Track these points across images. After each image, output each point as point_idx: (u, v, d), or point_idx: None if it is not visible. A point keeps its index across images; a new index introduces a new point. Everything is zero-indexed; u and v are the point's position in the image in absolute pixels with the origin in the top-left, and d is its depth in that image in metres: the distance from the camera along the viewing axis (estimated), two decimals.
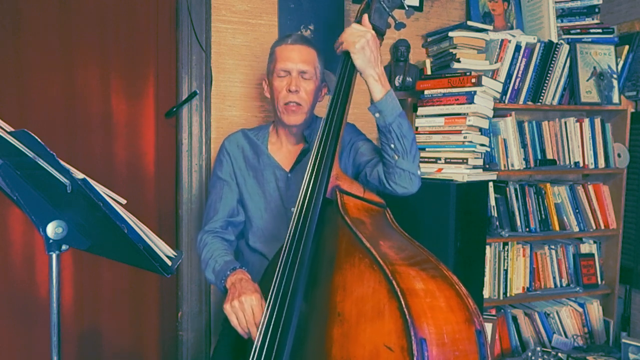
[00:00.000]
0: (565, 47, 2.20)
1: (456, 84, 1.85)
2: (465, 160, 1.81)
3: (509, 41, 2.11)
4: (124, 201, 0.89)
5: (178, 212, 1.99)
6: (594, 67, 2.24)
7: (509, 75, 2.14)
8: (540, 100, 2.20)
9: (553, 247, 2.34)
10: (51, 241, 0.91)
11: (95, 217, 0.88)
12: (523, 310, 2.28)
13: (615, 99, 2.27)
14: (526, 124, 2.24)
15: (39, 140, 0.77)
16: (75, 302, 1.85)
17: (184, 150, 1.96)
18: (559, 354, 2.12)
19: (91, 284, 1.87)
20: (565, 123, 2.30)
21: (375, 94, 1.26)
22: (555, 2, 2.23)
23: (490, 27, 2.09)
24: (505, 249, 2.20)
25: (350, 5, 2.11)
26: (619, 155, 2.33)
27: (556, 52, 2.18)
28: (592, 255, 2.39)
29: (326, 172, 1.14)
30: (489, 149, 2.03)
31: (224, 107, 2.01)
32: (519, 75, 2.16)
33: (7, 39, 1.72)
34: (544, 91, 2.20)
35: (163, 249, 0.93)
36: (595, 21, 2.29)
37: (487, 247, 2.11)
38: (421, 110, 1.92)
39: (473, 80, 1.81)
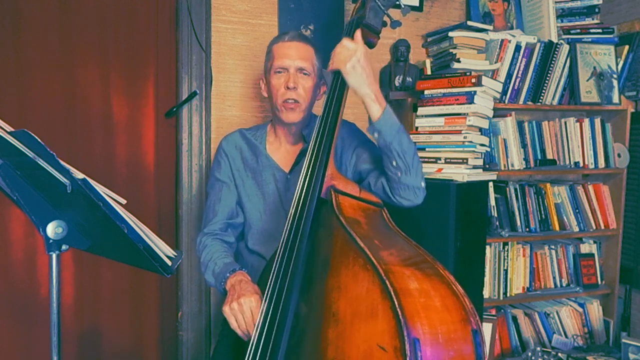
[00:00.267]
0: (565, 47, 2.20)
1: (456, 84, 1.85)
2: (465, 160, 1.81)
3: (509, 41, 2.11)
4: (124, 201, 0.89)
5: (178, 212, 1.99)
6: (594, 67, 2.24)
7: (509, 75, 2.14)
8: (540, 100, 2.20)
9: (553, 247, 2.34)
10: (51, 241, 0.91)
11: (95, 217, 0.87)
12: (523, 310, 2.28)
13: (615, 99, 2.27)
14: (526, 124, 2.24)
15: (39, 140, 0.77)
16: (76, 302, 1.85)
17: (184, 150, 1.96)
18: (559, 354, 2.12)
19: (91, 284, 1.87)
20: (565, 123, 2.30)
21: (373, 113, 1.23)
22: (555, 2, 2.23)
23: (490, 27, 2.10)
24: (505, 249, 2.20)
25: (350, 5, 2.11)
26: (619, 155, 2.33)
27: (556, 52, 2.18)
28: (592, 255, 2.39)
29: (321, 172, 1.13)
30: (489, 149, 2.03)
31: (224, 107, 2.01)
32: (519, 75, 2.16)
33: (7, 39, 1.72)
34: (544, 91, 2.20)
35: (163, 249, 0.92)
36: (595, 21, 2.29)
37: (487, 247, 2.11)
38: (421, 110, 1.92)
39: (473, 80, 1.81)
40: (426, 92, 1.92)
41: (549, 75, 2.19)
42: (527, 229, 2.23)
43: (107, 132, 1.86)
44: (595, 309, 2.38)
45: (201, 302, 2.01)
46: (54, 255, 0.93)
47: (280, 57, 1.39)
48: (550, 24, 2.21)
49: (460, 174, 1.79)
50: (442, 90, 1.88)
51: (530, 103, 2.20)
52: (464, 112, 1.82)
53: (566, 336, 2.30)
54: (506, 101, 2.15)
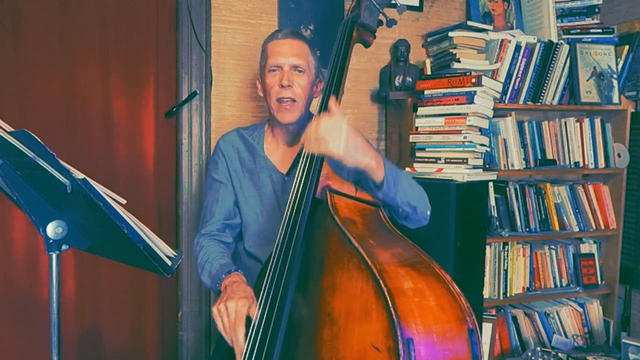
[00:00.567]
0: (565, 47, 2.20)
1: (456, 84, 1.85)
2: (465, 160, 1.81)
3: (509, 41, 2.11)
4: (124, 201, 0.89)
5: (178, 212, 1.99)
6: (594, 67, 2.24)
7: (509, 75, 2.14)
8: (540, 100, 2.20)
9: (553, 247, 2.34)
10: (51, 241, 0.91)
11: (95, 217, 0.88)
12: (523, 310, 2.28)
13: (615, 99, 2.27)
14: (526, 124, 2.24)
15: (39, 140, 0.77)
16: (76, 302, 1.85)
17: (184, 150, 1.96)
18: (559, 354, 2.12)
19: (91, 284, 1.87)
20: (565, 123, 2.30)
21: (376, 178, 1.12)
22: (555, 2, 2.24)
23: (490, 27, 2.10)
24: (505, 249, 2.20)
25: (350, 5, 2.11)
26: (619, 155, 2.33)
27: (556, 52, 2.18)
28: (592, 255, 2.39)
29: (316, 173, 1.11)
30: (489, 149, 2.03)
31: (224, 107, 2.01)
32: (519, 75, 2.16)
33: (7, 39, 1.72)
34: (544, 91, 2.20)
35: (163, 249, 0.93)
36: (595, 21, 2.29)
37: (487, 247, 2.11)
38: (421, 110, 1.92)
39: (473, 80, 1.81)
40: (426, 92, 1.92)
41: (549, 75, 2.19)
42: (527, 229, 2.23)
43: (107, 132, 1.86)
44: (595, 309, 2.38)
45: (201, 302, 2.01)
46: (54, 255, 0.93)
47: (274, 55, 1.36)
48: (550, 24, 2.21)
49: (460, 174, 1.79)
50: (442, 90, 1.88)
51: (530, 103, 2.20)
52: (464, 112, 1.82)
53: (566, 336, 2.30)
54: (506, 101, 2.16)
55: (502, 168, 2.16)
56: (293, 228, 1.08)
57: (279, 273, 1.06)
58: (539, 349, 2.04)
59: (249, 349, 1.04)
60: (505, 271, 2.20)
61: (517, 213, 2.22)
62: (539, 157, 2.25)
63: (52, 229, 0.90)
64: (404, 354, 0.79)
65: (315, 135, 1.04)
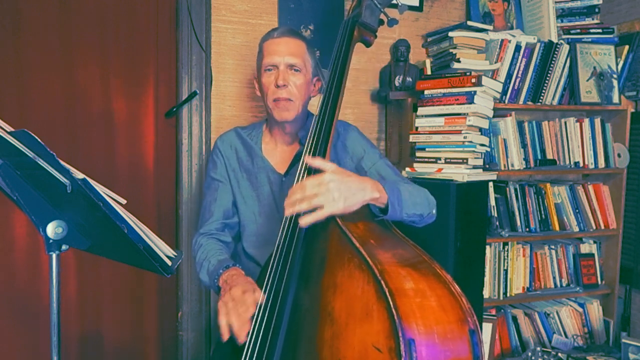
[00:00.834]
0: (565, 47, 2.20)
1: (456, 84, 1.85)
2: (465, 160, 1.81)
3: (509, 41, 2.11)
4: (124, 201, 0.89)
5: (178, 212, 1.99)
6: (594, 67, 2.24)
7: (509, 75, 2.14)
8: (540, 100, 2.20)
9: (553, 247, 2.34)
10: (51, 241, 0.91)
11: (95, 217, 0.87)
12: (523, 310, 2.28)
13: (615, 99, 2.27)
14: (526, 124, 2.24)
15: (39, 140, 0.77)
16: (76, 302, 1.85)
17: (184, 150, 1.96)
18: (559, 354, 2.12)
19: (91, 284, 1.87)
20: (565, 123, 2.30)
21: (380, 204, 1.12)
22: (555, 2, 2.23)
23: (490, 27, 2.09)
24: (505, 249, 2.20)
25: (351, 5, 2.11)
26: (619, 155, 2.33)
27: (556, 52, 2.18)
28: (592, 255, 2.39)
29: (316, 172, 1.11)
30: (489, 149, 2.03)
31: (224, 107, 2.01)
32: (519, 75, 2.16)
33: (7, 39, 1.72)
34: (544, 91, 2.20)
35: (163, 249, 0.92)
36: (595, 21, 2.29)
37: (487, 247, 2.11)
38: (421, 110, 1.92)
39: (473, 80, 1.81)
40: (426, 92, 1.92)
41: (549, 75, 2.19)
42: (527, 229, 2.23)
43: (107, 132, 1.86)
44: (595, 309, 2.38)
45: (201, 302, 2.01)
46: (54, 255, 0.93)
47: (270, 54, 1.35)
48: (550, 24, 2.21)
49: (460, 174, 1.79)
50: (442, 90, 1.88)
51: (530, 103, 2.20)
52: (464, 112, 1.82)
53: (566, 336, 2.30)
54: (506, 101, 2.16)
55: (502, 168, 2.16)
56: (294, 229, 1.08)
57: (280, 274, 1.06)
58: (539, 349, 2.04)
59: (249, 349, 1.04)
60: (505, 271, 2.20)
61: (517, 213, 2.22)
62: (539, 157, 2.25)
63: (52, 229, 0.90)
64: (406, 355, 0.79)
65: (307, 205, 1.00)
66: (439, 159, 1.86)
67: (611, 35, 2.27)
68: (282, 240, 1.10)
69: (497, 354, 2.17)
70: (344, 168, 1.38)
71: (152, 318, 1.96)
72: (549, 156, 2.27)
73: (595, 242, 2.43)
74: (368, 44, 1.40)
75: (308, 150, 1.17)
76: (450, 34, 2.02)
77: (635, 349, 2.07)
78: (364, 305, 0.87)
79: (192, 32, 1.92)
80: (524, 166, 2.21)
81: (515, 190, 2.24)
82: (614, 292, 2.37)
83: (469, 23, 2.04)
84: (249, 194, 1.43)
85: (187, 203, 1.97)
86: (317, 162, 1.07)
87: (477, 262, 1.86)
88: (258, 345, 1.03)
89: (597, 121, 2.32)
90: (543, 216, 2.26)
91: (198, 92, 1.94)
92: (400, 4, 1.36)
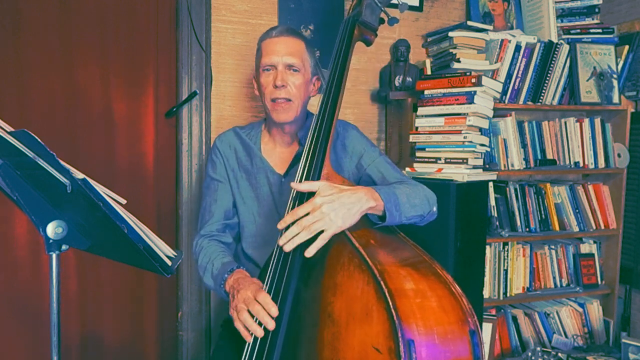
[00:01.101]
0: (565, 47, 2.20)
1: (456, 84, 1.85)
2: (465, 160, 1.81)
3: (509, 41, 2.11)
4: (124, 201, 0.89)
5: (178, 212, 1.99)
6: (594, 67, 2.24)
7: (509, 75, 2.14)
8: (540, 100, 2.20)
9: (553, 247, 2.34)
10: (51, 241, 0.91)
11: (95, 217, 0.87)
12: (523, 310, 2.28)
13: (615, 99, 2.27)
14: (526, 124, 2.24)
15: (39, 140, 0.77)
16: (76, 302, 1.85)
17: (184, 150, 1.96)
18: (559, 354, 2.12)
19: (91, 284, 1.87)
20: (565, 123, 2.30)
21: (377, 212, 1.11)
22: (555, 2, 2.23)
23: (490, 27, 2.09)
24: (505, 249, 2.20)
25: (351, 4, 2.11)
26: (619, 155, 2.33)
27: (556, 52, 2.18)
28: (592, 255, 2.39)
29: (317, 172, 1.11)
30: (489, 149, 2.03)
31: (224, 107, 2.01)
32: (519, 75, 2.16)
33: (7, 39, 1.72)
34: (544, 91, 2.20)
35: (163, 249, 0.92)
36: (595, 21, 2.29)
37: (487, 247, 2.11)
38: (421, 110, 1.92)
39: (473, 80, 1.81)
40: (426, 92, 1.92)
41: (549, 75, 2.19)
42: (527, 229, 2.23)
43: (107, 132, 1.86)
44: (595, 309, 2.38)
45: (201, 302, 2.01)
46: (54, 255, 0.93)
47: (268, 54, 1.33)
48: (550, 24, 2.21)
49: (460, 174, 1.79)
50: (442, 90, 1.88)
51: (530, 103, 2.20)
52: (464, 112, 1.82)
53: (566, 336, 2.30)
54: (506, 101, 2.15)
55: (502, 168, 2.16)
56: None
57: (279, 275, 1.06)
58: (539, 349, 2.04)
59: (250, 349, 1.04)
60: (505, 271, 2.20)
61: (517, 213, 2.22)
62: (539, 157, 2.25)
63: (52, 229, 0.90)
64: (405, 356, 0.79)
65: (307, 234, 0.99)
66: (439, 159, 1.86)
67: (611, 35, 2.27)
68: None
69: (497, 354, 2.17)
70: (343, 168, 1.39)
71: (152, 318, 1.96)
72: (549, 156, 2.27)
73: (595, 242, 2.43)
74: (368, 43, 1.39)
75: (308, 150, 1.16)
76: (450, 34, 2.02)
77: (635, 349, 2.07)
78: (363, 305, 0.87)
79: (192, 32, 1.92)
80: (524, 166, 2.21)
81: (515, 190, 2.24)
82: (614, 292, 2.37)
83: (469, 23, 2.04)
84: (248, 194, 1.42)
85: (187, 203, 1.97)
86: (303, 186, 1.06)
87: (477, 262, 1.86)
88: (258, 345, 1.03)
89: (597, 121, 2.32)
90: (543, 216, 2.26)
91: (198, 92, 1.94)
92: (400, 3, 1.36)
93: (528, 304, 2.34)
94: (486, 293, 2.16)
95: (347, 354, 0.87)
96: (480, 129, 1.87)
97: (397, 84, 2.11)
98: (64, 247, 0.93)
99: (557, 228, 2.28)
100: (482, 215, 1.91)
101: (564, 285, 2.34)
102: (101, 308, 1.89)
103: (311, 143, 1.16)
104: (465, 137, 1.81)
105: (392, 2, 1.38)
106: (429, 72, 2.12)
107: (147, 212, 1.92)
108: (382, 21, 1.37)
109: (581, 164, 2.29)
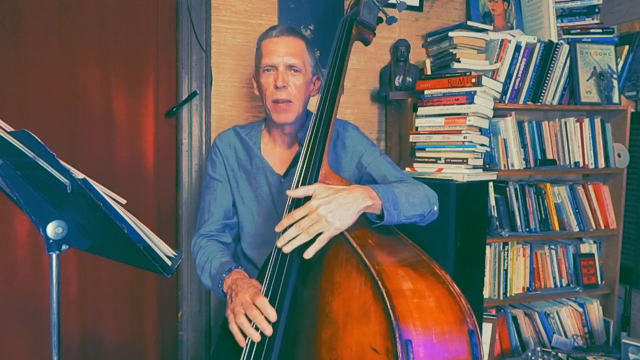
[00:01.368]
0: (565, 47, 2.20)
1: (456, 84, 1.85)
2: (465, 160, 1.81)
3: (509, 41, 2.11)
4: (124, 201, 0.89)
5: (178, 212, 1.99)
6: (594, 67, 2.24)
7: (509, 75, 2.14)
8: (540, 100, 2.20)
9: (553, 247, 2.34)
10: (51, 241, 0.91)
11: (95, 217, 0.87)
12: (523, 310, 2.28)
13: (615, 99, 2.27)
14: (526, 124, 2.24)
15: (39, 140, 0.77)
16: (76, 302, 1.85)
17: (184, 150, 1.96)
18: (559, 354, 2.12)
19: (91, 284, 1.87)
20: (565, 123, 2.30)
21: (375, 211, 1.10)
22: (555, 2, 2.24)
23: (490, 27, 2.10)
24: (505, 249, 2.20)
25: (349, 3, 2.11)
26: (619, 155, 2.33)
27: (556, 52, 2.18)
28: (592, 255, 2.39)
29: (314, 175, 1.11)
30: (489, 149, 2.03)
31: (224, 107, 2.01)
32: (519, 75, 2.16)
33: (7, 39, 1.72)
34: (544, 91, 2.20)
35: (163, 249, 0.92)
36: (595, 21, 2.29)
37: (487, 247, 2.11)
38: (421, 110, 1.92)
39: (473, 80, 1.81)
40: (426, 92, 1.92)
41: (549, 75, 2.19)
42: (527, 229, 2.23)
43: (107, 132, 1.86)
44: (595, 309, 2.38)
45: (201, 302, 2.01)
46: (54, 256, 0.93)
47: (269, 54, 1.31)
48: (550, 24, 2.21)
49: (460, 174, 1.79)
50: (442, 90, 1.88)
51: (530, 103, 2.20)
52: (464, 112, 1.82)
53: (566, 336, 2.30)
54: (506, 101, 2.16)
55: (502, 168, 2.16)
56: None
57: (277, 275, 1.06)
58: (539, 349, 2.04)
59: (248, 349, 1.04)
60: (505, 271, 2.20)
61: (517, 213, 2.22)
62: (539, 157, 2.25)
63: (52, 229, 0.90)
64: (402, 356, 0.79)
65: (306, 237, 0.99)
66: (439, 159, 1.86)
67: (611, 35, 2.27)
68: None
69: (497, 354, 2.17)
70: (344, 168, 1.39)
71: (152, 318, 1.96)
72: (549, 156, 2.27)
73: (595, 242, 2.43)
74: (367, 43, 1.39)
75: (305, 150, 1.15)
76: (450, 34, 2.02)
77: (635, 349, 2.07)
78: (361, 306, 0.87)
79: (192, 32, 1.92)
80: (524, 166, 2.21)
81: (515, 190, 2.24)
82: (614, 292, 2.37)
83: (469, 23, 2.04)
84: (247, 194, 1.41)
85: (187, 203, 1.97)
86: (299, 192, 1.05)
87: (477, 262, 1.86)
88: (256, 345, 1.03)
89: (597, 121, 2.32)
90: (543, 216, 2.26)
91: (198, 92, 1.94)
92: (398, 2, 1.35)
93: (528, 304, 2.34)
94: (486, 293, 2.16)
95: (345, 354, 0.87)
96: (480, 129, 1.87)
97: (397, 84, 2.11)
98: (64, 247, 0.93)
99: (557, 228, 2.28)
100: (482, 215, 1.91)
101: (564, 285, 2.34)
102: (101, 308, 1.89)
103: (309, 143, 1.16)
104: (465, 137, 1.81)
105: (390, 1, 1.38)
106: (429, 72, 2.12)
107: (147, 212, 1.92)
108: (380, 20, 1.37)
109: (581, 164, 2.29)
